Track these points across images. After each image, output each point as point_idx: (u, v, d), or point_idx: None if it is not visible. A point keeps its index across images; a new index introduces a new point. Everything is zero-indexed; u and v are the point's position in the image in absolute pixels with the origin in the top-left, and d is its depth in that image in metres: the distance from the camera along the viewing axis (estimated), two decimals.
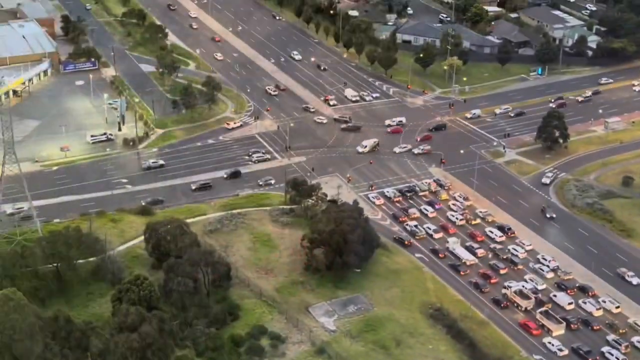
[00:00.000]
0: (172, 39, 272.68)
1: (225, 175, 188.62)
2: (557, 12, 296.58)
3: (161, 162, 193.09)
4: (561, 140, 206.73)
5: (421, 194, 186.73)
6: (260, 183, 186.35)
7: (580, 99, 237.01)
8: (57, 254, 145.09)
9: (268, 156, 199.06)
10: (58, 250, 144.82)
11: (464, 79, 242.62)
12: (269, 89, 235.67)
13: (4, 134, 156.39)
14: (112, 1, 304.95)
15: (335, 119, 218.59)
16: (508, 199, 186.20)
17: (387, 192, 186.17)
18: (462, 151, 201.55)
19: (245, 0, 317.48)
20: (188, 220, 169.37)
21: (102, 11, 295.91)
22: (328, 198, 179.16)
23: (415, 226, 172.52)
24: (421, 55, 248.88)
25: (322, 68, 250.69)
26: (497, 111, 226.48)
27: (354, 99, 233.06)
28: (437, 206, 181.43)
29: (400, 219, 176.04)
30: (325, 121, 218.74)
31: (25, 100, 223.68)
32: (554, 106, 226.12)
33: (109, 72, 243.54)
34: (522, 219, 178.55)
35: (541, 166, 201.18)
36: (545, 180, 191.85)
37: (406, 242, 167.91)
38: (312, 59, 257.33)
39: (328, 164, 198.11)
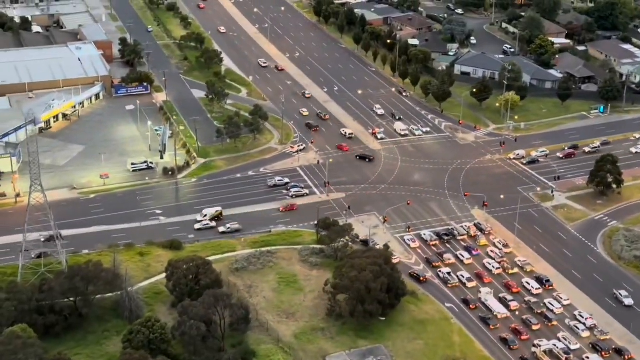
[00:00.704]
0: (227, 63, 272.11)
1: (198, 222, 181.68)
2: (628, 46, 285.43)
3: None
4: (614, 186, 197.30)
5: (460, 237, 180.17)
6: (224, 229, 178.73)
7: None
8: (75, 289, 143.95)
9: (306, 191, 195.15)
10: (75, 285, 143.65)
11: (515, 117, 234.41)
12: (309, 123, 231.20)
13: (31, 163, 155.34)
14: (174, 24, 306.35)
15: (357, 156, 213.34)
16: (551, 247, 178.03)
17: (424, 234, 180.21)
18: (502, 196, 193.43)
19: (306, 25, 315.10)
20: (216, 257, 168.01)
21: (163, 34, 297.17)
22: (361, 239, 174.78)
23: (449, 273, 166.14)
24: (474, 90, 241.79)
25: (377, 110, 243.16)
26: (534, 153, 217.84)
27: (402, 132, 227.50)
28: (474, 252, 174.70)
29: (434, 264, 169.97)
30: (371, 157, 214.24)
31: (74, 124, 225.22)
32: (561, 156, 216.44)
33: (161, 97, 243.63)
34: (564, 270, 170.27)
35: (591, 213, 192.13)
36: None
37: (421, 279, 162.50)
38: (359, 92, 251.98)
39: (367, 201, 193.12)
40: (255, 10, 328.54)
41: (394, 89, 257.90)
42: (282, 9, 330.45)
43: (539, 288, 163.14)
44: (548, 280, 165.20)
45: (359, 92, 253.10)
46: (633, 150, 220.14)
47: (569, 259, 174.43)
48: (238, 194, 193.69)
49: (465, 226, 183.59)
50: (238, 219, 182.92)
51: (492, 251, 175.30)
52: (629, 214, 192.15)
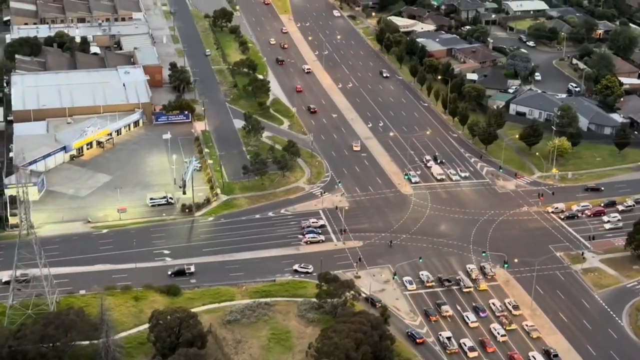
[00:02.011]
0: (277, 92, 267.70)
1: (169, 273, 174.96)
2: None
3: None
4: None
5: (465, 290, 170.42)
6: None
7: None
8: (49, 337, 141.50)
9: (322, 238, 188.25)
10: (49, 333, 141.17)
11: (553, 170, 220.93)
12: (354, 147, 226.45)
13: (23, 197, 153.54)
14: (233, 47, 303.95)
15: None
16: (571, 316, 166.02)
17: (422, 274, 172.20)
18: (516, 260, 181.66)
19: (368, 53, 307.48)
20: (212, 306, 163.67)
21: (220, 58, 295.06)
22: (368, 295, 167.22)
23: (449, 338, 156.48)
24: (518, 135, 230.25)
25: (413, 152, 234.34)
26: (575, 207, 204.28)
27: (439, 177, 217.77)
28: (482, 314, 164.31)
29: (431, 318, 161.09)
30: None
31: (107, 153, 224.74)
32: (588, 213, 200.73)
33: (201, 126, 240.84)
34: (578, 344, 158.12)
35: (624, 279, 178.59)
36: None
37: (418, 340, 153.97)
38: (392, 133, 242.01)
39: (384, 252, 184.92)
40: (320, 36, 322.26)
41: (442, 128, 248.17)
42: (339, 36, 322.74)
43: None
44: (556, 355, 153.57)
45: (404, 129, 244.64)
46: None
47: (587, 331, 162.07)
48: (252, 236, 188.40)
49: (469, 267, 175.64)
50: (245, 263, 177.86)
51: (493, 304, 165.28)
52: None
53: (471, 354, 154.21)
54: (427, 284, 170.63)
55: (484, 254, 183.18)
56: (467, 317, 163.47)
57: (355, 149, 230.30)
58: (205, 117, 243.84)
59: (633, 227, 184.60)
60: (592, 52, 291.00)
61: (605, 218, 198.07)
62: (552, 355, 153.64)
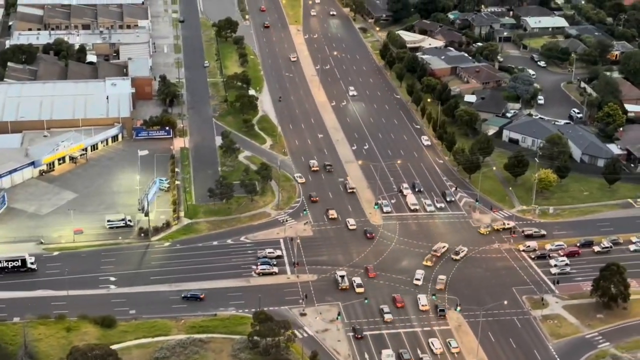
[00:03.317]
0: (268, 109, 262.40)
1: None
2: None
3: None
4: (620, 300, 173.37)
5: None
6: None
7: None
8: None
9: (275, 270, 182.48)
10: None
11: (533, 205, 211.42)
12: (310, 194, 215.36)
13: None
14: (233, 59, 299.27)
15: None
16: None
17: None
18: (458, 307, 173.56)
19: (370, 69, 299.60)
20: (145, 340, 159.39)
21: (217, 70, 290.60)
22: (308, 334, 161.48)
23: None
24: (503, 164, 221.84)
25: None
26: (549, 246, 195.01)
27: (413, 207, 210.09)
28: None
29: None
30: (355, 228, 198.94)
31: (79, 169, 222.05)
32: (561, 253, 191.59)
33: (181, 142, 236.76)
34: None
35: (584, 329, 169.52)
36: None
37: None
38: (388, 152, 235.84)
39: (334, 289, 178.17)
40: (325, 49, 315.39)
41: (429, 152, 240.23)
42: (336, 52, 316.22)
43: None
44: None
45: (389, 152, 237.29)
46: (631, 247, 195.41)
47: None
48: (204, 265, 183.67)
49: (419, 299, 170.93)
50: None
51: (432, 343, 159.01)
52: (627, 335, 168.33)
53: None
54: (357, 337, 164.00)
55: (433, 297, 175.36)
56: None
57: (329, 170, 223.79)
58: (187, 133, 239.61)
59: (599, 273, 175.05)
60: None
61: (552, 262, 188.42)
62: None
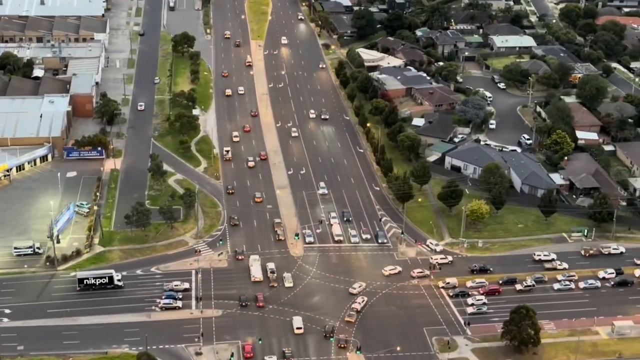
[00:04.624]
0: (209, 129, 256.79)
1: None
2: None
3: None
4: (530, 344, 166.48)
5: None
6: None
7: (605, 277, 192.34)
8: None
9: (179, 304, 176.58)
10: None
11: (460, 239, 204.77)
12: (232, 217, 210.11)
13: None
14: (185, 75, 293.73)
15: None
16: None
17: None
18: (398, 348, 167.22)
19: (326, 88, 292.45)
20: None
21: (167, 87, 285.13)
22: None
23: None
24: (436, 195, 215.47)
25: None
26: (469, 283, 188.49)
27: (337, 238, 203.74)
28: None
29: None
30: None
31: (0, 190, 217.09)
32: (481, 292, 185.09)
33: (112, 164, 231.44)
34: None
35: None
36: None
37: None
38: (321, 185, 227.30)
39: (241, 325, 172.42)
40: (283, 66, 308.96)
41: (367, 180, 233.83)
42: (297, 67, 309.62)
43: None
44: None
45: (325, 178, 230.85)
46: (555, 286, 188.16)
47: None
48: (107, 297, 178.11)
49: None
50: (85, 330, 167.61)
51: None
52: None
53: None
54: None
55: (331, 339, 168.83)
56: None
57: (257, 200, 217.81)
58: (121, 154, 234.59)
59: (509, 315, 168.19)
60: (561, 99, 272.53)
61: (469, 300, 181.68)
62: None
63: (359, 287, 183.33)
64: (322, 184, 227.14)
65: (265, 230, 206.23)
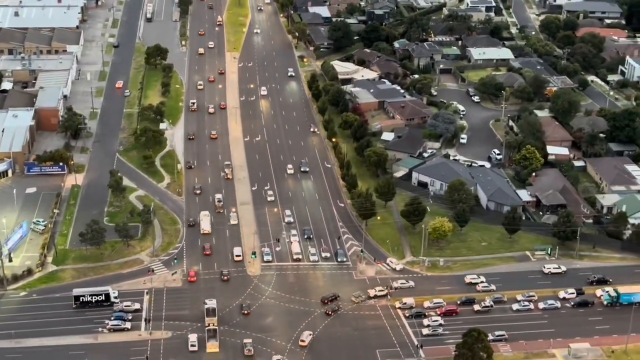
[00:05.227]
0: (176, 143, 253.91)
1: None
2: (634, 168, 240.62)
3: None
4: None
5: None
6: None
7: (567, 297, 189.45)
8: None
9: (127, 325, 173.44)
10: None
11: (421, 257, 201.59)
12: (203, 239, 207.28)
13: None
14: (156, 88, 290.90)
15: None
16: None
17: None
18: None
19: (298, 101, 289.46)
20: None
21: (137, 100, 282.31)
22: None
23: None
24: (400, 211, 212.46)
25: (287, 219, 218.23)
26: (427, 304, 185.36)
27: (295, 256, 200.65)
28: None
29: None
30: (227, 279, 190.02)
31: None
32: (438, 312, 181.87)
33: (73, 179, 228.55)
34: None
35: None
36: None
37: None
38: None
39: (186, 347, 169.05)
40: (256, 78, 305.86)
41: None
42: (271, 80, 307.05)
43: None
44: None
45: (289, 194, 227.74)
46: (514, 306, 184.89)
47: None
48: (56, 318, 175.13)
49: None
50: (29, 353, 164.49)
51: None
52: None
53: None
54: None
55: None
56: None
57: (218, 210, 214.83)
58: (84, 169, 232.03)
59: (462, 339, 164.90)
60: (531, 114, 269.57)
61: (425, 321, 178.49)
62: None
63: (309, 336, 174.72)
64: (286, 199, 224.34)
65: (224, 248, 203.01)
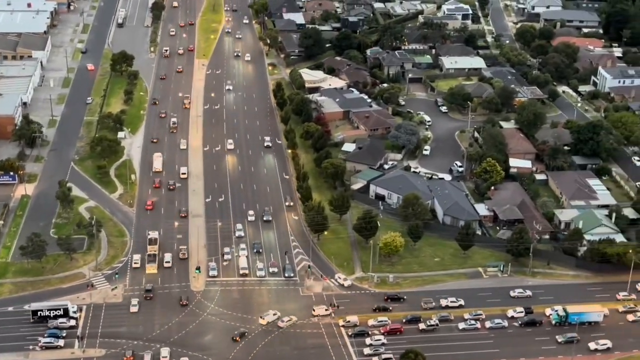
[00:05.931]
0: (134, 153, 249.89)
1: None
2: (595, 182, 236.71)
3: None
4: None
5: None
6: None
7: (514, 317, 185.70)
8: None
9: (60, 343, 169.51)
10: None
11: (370, 273, 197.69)
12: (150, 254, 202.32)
13: None
14: (120, 95, 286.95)
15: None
16: None
17: None
18: None
19: (262, 110, 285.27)
20: None
21: (99, 107, 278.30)
22: None
23: None
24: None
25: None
26: (371, 322, 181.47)
27: (242, 271, 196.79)
28: None
29: None
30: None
31: None
32: (382, 331, 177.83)
33: (23, 189, 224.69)
34: None
35: None
36: None
37: None
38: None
39: None
40: (222, 86, 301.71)
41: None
42: (238, 88, 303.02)
43: None
44: None
45: (243, 206, 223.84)
46: (460, 325, 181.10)
47: None
48: None
49: None
50: None
51: None
52: None
53: None
54: None
55: None
56: None
57: (181, 218, 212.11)
58: (37, 179, 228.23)
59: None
60: (496, 125, 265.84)
61: (367, 340, 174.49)
62: None
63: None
64: (239, 212, 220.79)
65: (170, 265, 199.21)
